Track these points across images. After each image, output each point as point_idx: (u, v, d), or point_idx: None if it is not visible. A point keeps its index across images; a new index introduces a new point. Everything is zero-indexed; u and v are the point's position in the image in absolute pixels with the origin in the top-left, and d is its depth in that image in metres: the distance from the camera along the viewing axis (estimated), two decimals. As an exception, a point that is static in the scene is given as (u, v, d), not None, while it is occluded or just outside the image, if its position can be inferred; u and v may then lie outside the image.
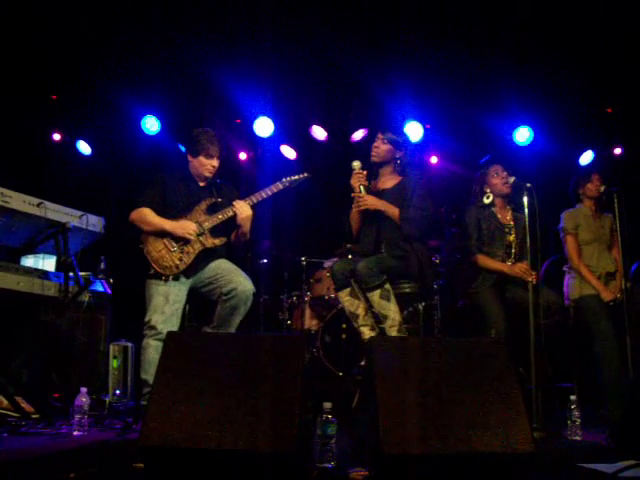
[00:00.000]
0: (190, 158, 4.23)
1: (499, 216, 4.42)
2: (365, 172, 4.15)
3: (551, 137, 6.65)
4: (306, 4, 5.59)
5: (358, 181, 4.10)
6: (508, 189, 4.38)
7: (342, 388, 4.88)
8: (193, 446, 2.24)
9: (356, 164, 4.14)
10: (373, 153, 4.24)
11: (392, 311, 3.91)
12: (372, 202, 4.10)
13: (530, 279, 4.02)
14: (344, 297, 4.07)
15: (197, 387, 2.40)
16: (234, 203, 4.10)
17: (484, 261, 4.30)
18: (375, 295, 3.91)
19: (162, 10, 5.47)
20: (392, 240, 4.11)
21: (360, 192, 4.10)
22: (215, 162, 4.19)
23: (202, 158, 4.18)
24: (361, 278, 3.92)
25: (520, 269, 4.15)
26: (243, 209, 4.08)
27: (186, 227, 4.02)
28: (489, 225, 4.38)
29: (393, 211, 4.08)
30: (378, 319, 4.03)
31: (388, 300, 3.91)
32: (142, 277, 4.04)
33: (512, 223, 4.40)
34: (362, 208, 4.11)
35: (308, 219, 6.82)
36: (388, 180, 4.28)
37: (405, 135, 4.37)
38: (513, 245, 4.36)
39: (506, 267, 4.25)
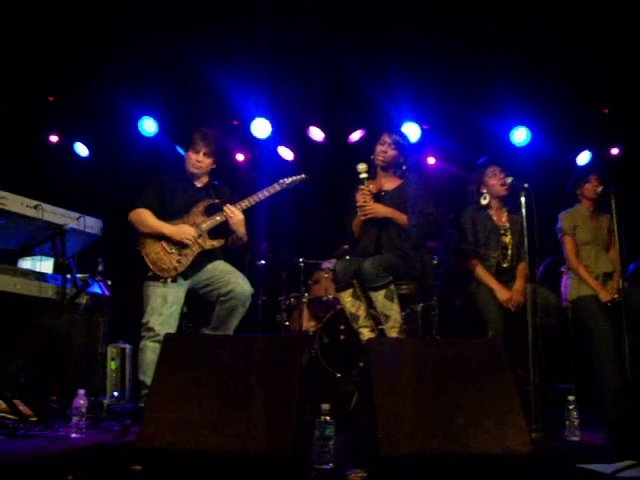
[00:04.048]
0: (185, 156, 4.25)
1: (495, 218, 4.43)
2: (371, 187, 4.14)
3: (548, 138, 6.65)
4: (303, 6, 5.59)
5: (363, 197, 4.09)
6: (505, 190, 4.39)
7: (340, 389, 4.88)
8: (191, 448, 2.24)
9: (362, 167, 4.10)
10: (380, 157, 4.21)
11: (394, 312, 3.91)
12: (382, 210, 4.09)
13: (512, 309, 4.11)
14: (346, 298, 4.05)
15: (195, 389, 2.40)
16: (224, 208, 4.08)
17: (479, 272, 4.30)
18: (380, 295, 3.90)
19: (159, 11, 5.46)
20: (393, 241, 4.11)
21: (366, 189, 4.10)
22: (200, 157, 4.17)
23: (190, 152, 4.20)
24: (367, 278, 3.90)
25: (506, 299, 4.17)
26: (233, 214, 4.07)
27: (185, 232, 4.01)
28: (485, 227, 4.39)
29: (400, 217, 4.08)
30: (378, 320, 4.03)
31: (392, 301, 3.91)
32: (140, 279, 4.03)
33: (508, 225, 4.42)
34: (370, 217, 4.09)
35: (306, 220, 6.82)
36: (388, 182, 4.27)
37: (407, 138, 4.38)
38: (509, 247, 4.38)
39: (499, 290, 4.23)
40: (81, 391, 3.32)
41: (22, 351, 4.17)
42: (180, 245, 4.01)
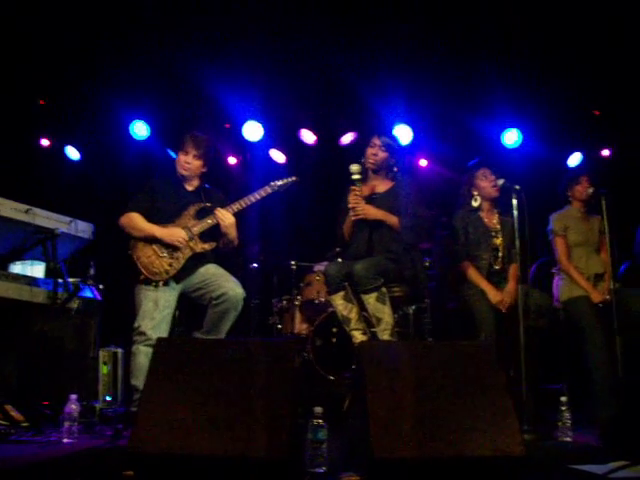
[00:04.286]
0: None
1: (485, 220, 4.44)
2: (363, 190, 4.14)
3: (540, 139, 6.66)
4: (295, 7, 5.59)
5: (355, 199, 4.08)
6: (496, 192, 4.40)
7: (333, 392, 4.87)
8: (184, 452, 2.23)
9: (355, 168, 4.10)
10: (371, 160, 4.20)
11: (386, 314, 3.91)
12: (373, 212, 4.09)
13: (504, 311, 4.10)
14: (337, 300, 4.05)
15: (187, 393, 2.39)
16: (215, 211, 4.08)
17: (471, 274, 4.31)
18: (371, 298, 3.90)
19: (151, 14, 5.45)
20: (384, 243, 4.11)
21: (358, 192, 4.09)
22: (189, 159, 4.16)
23: (180, 154, 4.20)
24: (359, 280, 3.90)
25: (497, 301, 4.17)
26: (225, 217, 4.06)
27: (176, 234, 4.00)
28: (476, 229, 4.40)
29: (392, 220, 4.09)
30: (370, 323, 4.03)
31: (384, 303, 3.90)
32: (132, 283, 4.02)
33: (499, 227, 4.43)
34: (361, 218, 4.09)
35: (298, 223, 6.81)
36: (380, 184, 4.27)
37: (398, 140, 4.38)
38: (500, 249, 4.39)
39: (491, 292, 4.24)
40: (73, 396, 3.31)
41: (13, 356, 4.15)
42: (172, 248, 4.00)
